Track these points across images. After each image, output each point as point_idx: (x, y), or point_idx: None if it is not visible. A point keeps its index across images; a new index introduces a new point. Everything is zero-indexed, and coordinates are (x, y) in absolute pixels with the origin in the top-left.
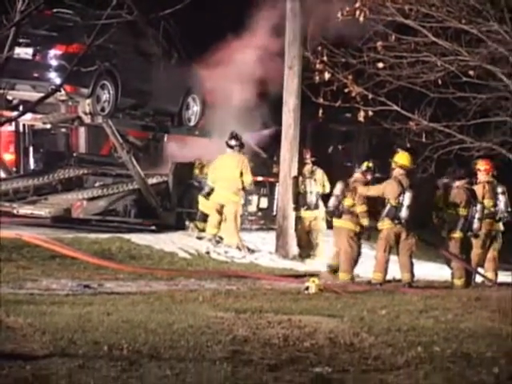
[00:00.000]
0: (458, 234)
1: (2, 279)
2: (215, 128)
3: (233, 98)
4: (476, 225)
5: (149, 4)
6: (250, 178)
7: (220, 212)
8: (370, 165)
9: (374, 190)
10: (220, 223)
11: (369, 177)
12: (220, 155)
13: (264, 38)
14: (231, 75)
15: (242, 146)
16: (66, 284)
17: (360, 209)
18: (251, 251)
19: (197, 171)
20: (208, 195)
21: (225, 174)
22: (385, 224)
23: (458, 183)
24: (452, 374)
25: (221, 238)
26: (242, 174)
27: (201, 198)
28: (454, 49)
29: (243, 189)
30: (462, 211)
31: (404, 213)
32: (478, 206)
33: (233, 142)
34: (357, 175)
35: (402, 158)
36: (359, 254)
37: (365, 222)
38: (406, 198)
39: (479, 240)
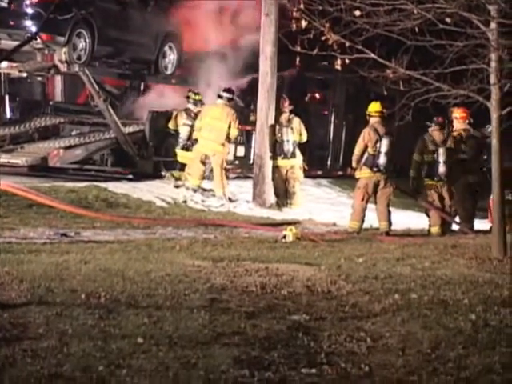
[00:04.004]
0: (430, 181)
1: None
2: (192, 76)
3: (210, 46)
4: (442, 169)
5: None
6: (237, 132)
7: (204, 162)
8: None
9: (358, 145)
10: (204, 173)
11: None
12: (207, 105)
13: None
14: (209, 23)
15: (232, 99)
16: (43, 232)
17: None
18: (231, 201)
19: (173, 121)
20: (185, 148)
21: (213, 125)
22: (363, 173)
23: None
24: (429, 321)
25: (203, 189)
26: (229, 126)
27: (179, 151)
28: None
29: (228, 140)
30: (426, 157)
31: (382, 159)
32: (440, 150)
33: (225, 94)
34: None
35: (374, 106)
36: None
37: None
38: (383, 145)
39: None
